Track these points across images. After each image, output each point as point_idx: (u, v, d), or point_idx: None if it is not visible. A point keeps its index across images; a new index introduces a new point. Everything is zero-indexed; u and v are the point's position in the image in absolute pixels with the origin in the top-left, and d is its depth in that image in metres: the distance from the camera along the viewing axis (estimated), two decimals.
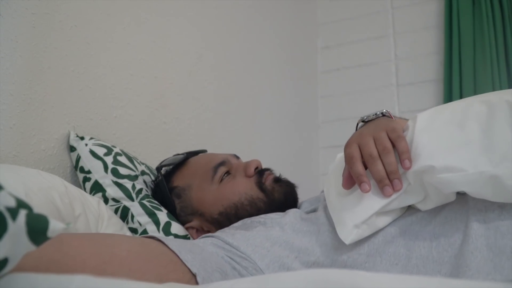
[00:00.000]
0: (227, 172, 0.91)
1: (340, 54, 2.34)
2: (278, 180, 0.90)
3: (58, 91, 0.93)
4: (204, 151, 1.05)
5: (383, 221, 0.66)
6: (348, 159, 0.67)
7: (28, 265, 0.39)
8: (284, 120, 1.97)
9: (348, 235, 0.64)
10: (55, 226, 0.31)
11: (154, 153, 1.17)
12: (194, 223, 0.90)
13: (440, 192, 0.62)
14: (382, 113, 0.73)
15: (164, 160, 0.97)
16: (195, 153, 1.02)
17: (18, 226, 0.29)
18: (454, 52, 1.98)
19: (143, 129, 1.16)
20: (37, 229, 0.30)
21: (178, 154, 0.99)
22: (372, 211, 0.64)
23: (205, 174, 0.90)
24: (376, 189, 0.65)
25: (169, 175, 0.96)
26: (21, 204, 0.31)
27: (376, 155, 0.65)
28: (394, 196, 0.64)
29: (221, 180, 0.89)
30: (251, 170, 0.90)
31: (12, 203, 0.30)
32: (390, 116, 0.73)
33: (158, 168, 0.95)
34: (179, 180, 0.94)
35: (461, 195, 0.64)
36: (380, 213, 0.66)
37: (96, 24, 1.04)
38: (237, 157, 0.97)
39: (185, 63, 1.36)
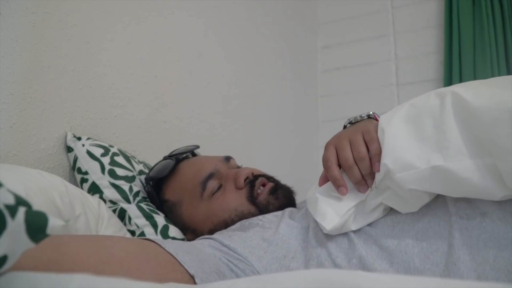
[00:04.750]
0: (219, 186, 0.86)
1: (340, 53, 2.34)
2: (274, 191, 0.86)
3: (58, 90, 0.93)
4: (194, 148, 1.01)
5: (363, 220, 0.66)
6: (325, 162, 0.69)
7: (27, 264, 0.39)
8: (284, 119, 1.97)
9: (330, 222, 0.65)
10: (54, 223, 0.31)
11: (154, 153, 1.17)
12: (187, 237, 0.89)
13: (413, 192, 0.61)
14: (367, 115, 0.74)
15: (153, 168, 0.93)
16: (185, 156, 0.97)
17: (17, 224, 0.29)
18: (454, 51, 1.98)
19: (143, 129, 1.16)
20: (36, 226, 0.30)
21: (166, 158, 0.95)
22: (350, 206, 0.66)
23: (194, 190, 0.87)
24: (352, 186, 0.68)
25: (160, 183, 0.93)
26: (20, 201, 0.31)
27: (352, 161, 0.66)
28: (369, 191, 0.66)
29: (213, 194, 0.86)
30: (241, 182, 0.85)
31: (11, 201, 0.30)
32: (375, 118, 0.73)
33: (147, 180, 0.92)
34: (169, 193, 0.91)
35: (441, 197, 0.64)
36: (361, 211, 0.67)
37: (96, 23, 1.04)
38: (228, 160, 0.92)
39: (185, 63, 1.36)
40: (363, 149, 0.65)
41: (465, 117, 0.57)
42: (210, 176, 0.87)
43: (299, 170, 1.98)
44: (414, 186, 0.59)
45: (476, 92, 0.57)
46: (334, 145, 0.69)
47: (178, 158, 0.94)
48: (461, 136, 0.57)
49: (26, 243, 0.30)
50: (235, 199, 0.84)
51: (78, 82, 0.98)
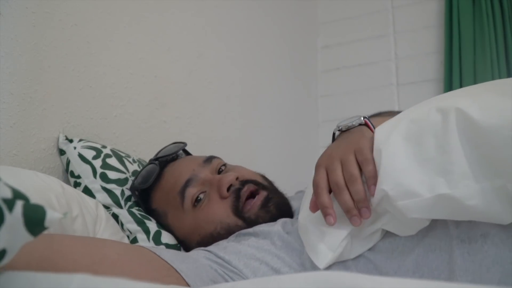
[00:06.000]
0: (202, 193, 0.81)
1: (340, 53, 2.33)
2: (265, 203, 0.80)
3: (58, 90, 0.93)
4: (182, 147, 0.97)
5: (361, 247, 0.62)
6: (315, 188, 0.63)
7: (20, 261, 0.39)
8: (284, 119, 1.97)
9: (323, 259, 0.60)
10: (52, 216, 0.31)
11: (154, 152, 1.17)
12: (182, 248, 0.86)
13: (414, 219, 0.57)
14: (359, 122, 0.69)
15: (137, 176, 0.88)
16: (172, 157, 0.93)
17: (15, 217, 0.30)
18: (454, 51, 1.98)
19: (143, 128, 1.16)
20: (34, 219, 0.30)
21: (152, 161, 0.91)
22: (343, 236, 0.61)
23: (175, 201, 0.82)
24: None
25: (147, 191, 0.88)
26: (17, 195, 0.31)
27: (343, 185, 0.60)
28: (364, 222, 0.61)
29: (196, 202, 0.81)
30: (224, 191, 0.79)
31: (8, 194, 0.30)
32: (367, 125, 0.69)
33: (132, 190, 0.88)
34: (156, 203, 0.87)
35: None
36: (357, 237, 0.62)
37: (96, 23, 1.04)
38: (210, 161, 0.86)
39: (185, 62, 1.36)
40: (355, 171, 0.60)
41: (472, 137, 0.53)
42: (187, 184, 0.81)
43: (299, 170, 1.97)
44: (418, 215, 0.55)
45: (483, 108, 0.53)
46: (324, 166, 0.64)
47: (162, 162, 0.91)
48: (466, 158, 0.53)
49: (24, 236, 0.30)
50: (220, 211, 0.79)
51: (78, 82, 0.98)
